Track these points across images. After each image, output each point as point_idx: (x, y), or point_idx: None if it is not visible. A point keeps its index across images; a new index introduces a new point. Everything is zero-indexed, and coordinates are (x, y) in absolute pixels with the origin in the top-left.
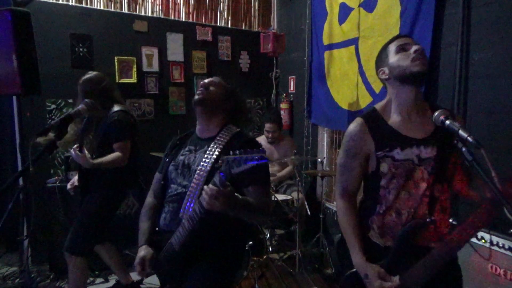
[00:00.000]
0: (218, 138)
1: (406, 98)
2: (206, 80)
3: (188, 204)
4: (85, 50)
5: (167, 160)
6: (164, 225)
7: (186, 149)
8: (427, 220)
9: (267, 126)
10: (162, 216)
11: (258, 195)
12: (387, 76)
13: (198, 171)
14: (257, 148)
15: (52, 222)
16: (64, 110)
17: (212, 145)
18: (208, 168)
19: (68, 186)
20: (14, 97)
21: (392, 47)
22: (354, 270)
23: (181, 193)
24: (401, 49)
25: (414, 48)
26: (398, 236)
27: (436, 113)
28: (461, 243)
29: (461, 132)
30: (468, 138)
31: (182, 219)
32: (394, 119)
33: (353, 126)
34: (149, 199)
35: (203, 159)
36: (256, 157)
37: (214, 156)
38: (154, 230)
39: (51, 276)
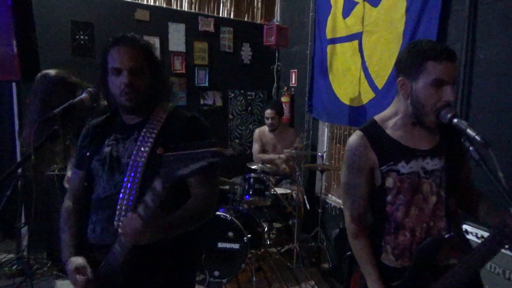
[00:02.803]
0: (151, 120)
1: (414, 118)
2: (125, 66)
3: (123, 211)
4: (86, 38)
5: (88, 154)
6: (95, 238)
7: (112, 137)
8: (446, 236)
9: (266, 112)
10: (90, 227)
11: (201, 189)
12: (406, 94)
13: (130, 165)
14: (201, 129)
15: (50, 210)
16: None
17: (144, 130)
18: (143, 159)
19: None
20: (14, 84)
21: (431, 71)
22: None
23: (112, 195)
24: (438, 83)
25: (447, 94)
26: (415, 254)
27: (443, 111)
28: (483, 261)
29: (469, 131)
30: (476, 137)
31: (118, 230)
32: (397, 130)
33: (353, 140)
34: (68, 202)
35: (136, 149)
36: (209, 154)
37: (149, 144)
38: (80, 241)
39: (48, 264)
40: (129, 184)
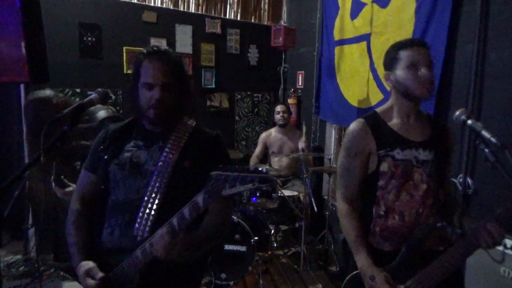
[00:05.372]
0: (175, 133)
1: (407, 106)
2: (157, 81)
3: (145, 216)
4: (94, 40)
5: (106, 157)
6: (112, 242)
7: (132, 144)
8: (438, 224)
9: (278, 107)
10: (106, 231)
11: (219, 207)
12: (391, 84)
13: (156, 174)
14: (223, 148)
15: (57, 212)
16: (71, 99)
17: (170, 142)
18: (169, 169)
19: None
20: (22, 86)
21: (404, 58)
22: (356, 272)
23: (134, 200)
24: (412, 66)
25: (424, 72)
26: (409, 241)
27: (457, 113)
28: (470, 251)
29: (484, 132)
30: (492, 139)
31: (138, 236)
32: (394, 122)
33: (354, 126)
34: (76, 204)
35: (162, 158)
36: (257, 178)
37: (176, 155)
38: (91, 244)
39: (55, 266)
40: (153, 193)
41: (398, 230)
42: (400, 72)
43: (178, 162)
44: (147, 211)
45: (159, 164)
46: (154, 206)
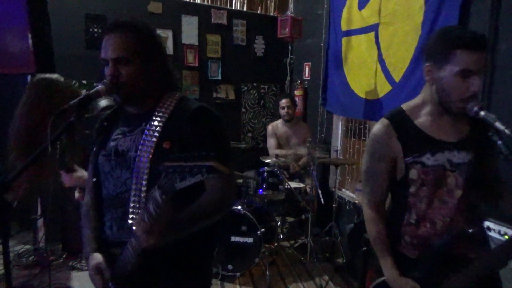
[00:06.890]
0: (158, 109)
1: (443, 109)
2: (109, 55)
3: (135, 207)
4: (100, 31)
5: (95, 149)
6: (112, 235)
7: (118, 131)
8: (469, 231)
9: (283, 102)
10: (106, 225)
11: (215, 181)
12: (431, 81)
13: (136, 160)
14: (207, 121)
15: (65, 202)
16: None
17: (152, 120)
18: (151, 150)
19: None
20: (29, 77)
21: (460, 61)
22: (383, 279)
23: (123, 192)
24: (465, 74)
25: (473, 85)
26: (436, 247)
27: (469, 104)
28: (505, 260)
29: (497, 124)
30: (505, 130)
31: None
32: (424, 120)
33: (377, 128)
34: (87, 197)
35: (141, 142)
36: (204, 169)
37: (155, 137)
38: (100, 236)
39: (64, 256)
40: (138, 183)
41: (429, 238)
42: (448, 74)
43: (158, 144)
44: (137, 204)
45: (139, 149)
46: (142, 196)
